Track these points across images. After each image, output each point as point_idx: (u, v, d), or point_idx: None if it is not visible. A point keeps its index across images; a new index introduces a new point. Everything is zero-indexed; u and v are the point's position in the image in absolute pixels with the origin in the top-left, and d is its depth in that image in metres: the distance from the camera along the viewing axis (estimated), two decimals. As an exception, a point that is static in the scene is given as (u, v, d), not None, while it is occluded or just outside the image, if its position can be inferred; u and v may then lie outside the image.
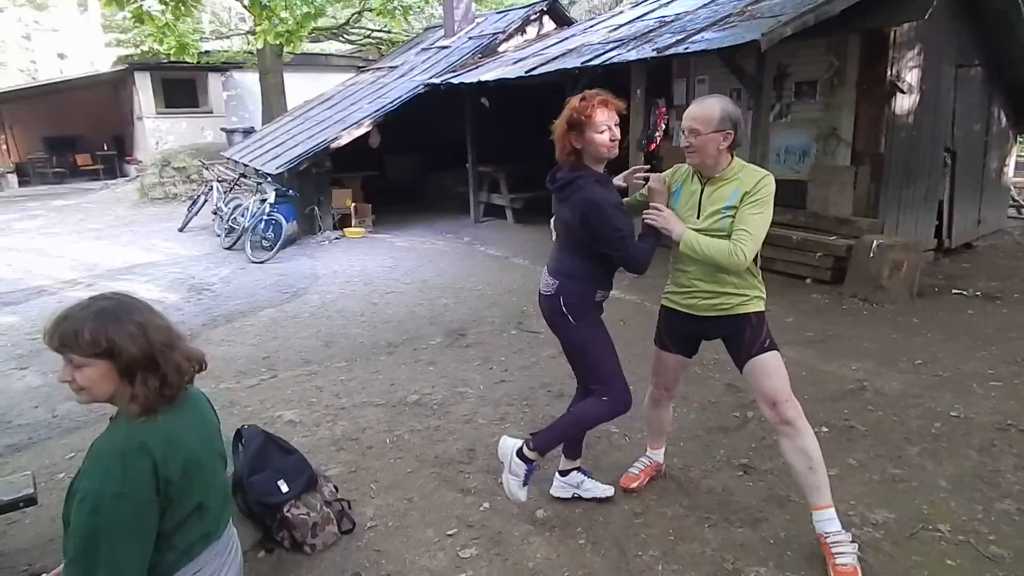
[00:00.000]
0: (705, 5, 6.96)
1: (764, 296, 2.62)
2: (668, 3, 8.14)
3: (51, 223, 12.24)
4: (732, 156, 2.52)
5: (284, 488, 2.80)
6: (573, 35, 9.09)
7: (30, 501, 2.64)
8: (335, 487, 3.05)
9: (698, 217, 2.51)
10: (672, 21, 6.87)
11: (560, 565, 2.63)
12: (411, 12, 12.18)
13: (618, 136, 2.55)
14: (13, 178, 17.83)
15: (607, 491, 3.02)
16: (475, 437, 3.71)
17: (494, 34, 10.58)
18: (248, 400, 4.35)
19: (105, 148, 18.75)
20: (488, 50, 10.25)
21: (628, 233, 2.52)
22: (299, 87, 15.79)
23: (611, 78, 7.31)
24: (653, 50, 5.73)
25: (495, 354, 4.99)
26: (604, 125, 2.49)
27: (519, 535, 2.84)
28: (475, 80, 8.25)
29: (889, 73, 6.22)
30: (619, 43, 6.78)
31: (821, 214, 6.78)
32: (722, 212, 2.46)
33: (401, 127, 10.12)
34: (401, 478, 3.35)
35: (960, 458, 3.24)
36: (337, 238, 9.45)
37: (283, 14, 6.38)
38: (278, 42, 6.84)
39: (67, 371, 1.46)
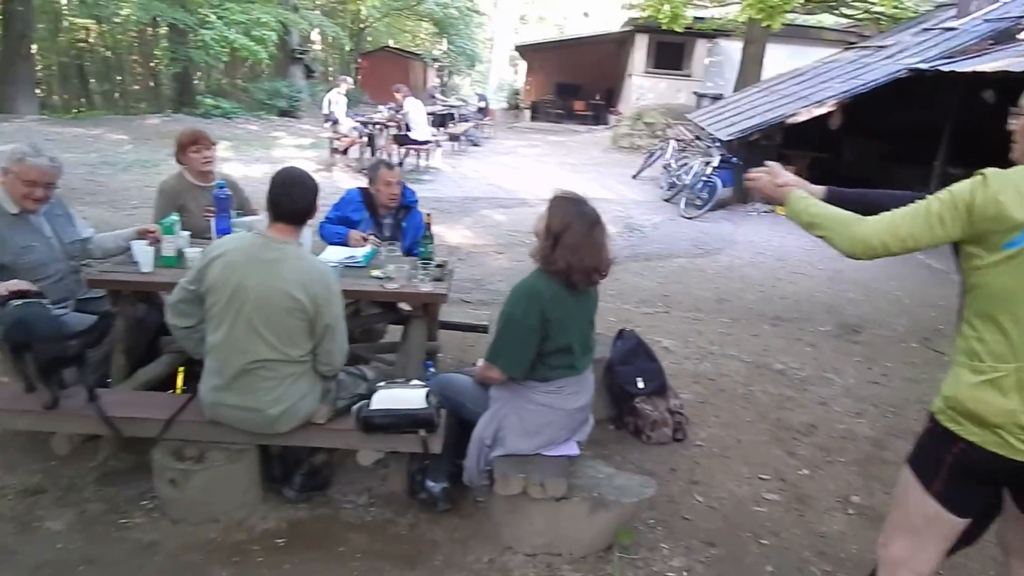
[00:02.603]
0: None
1: None
2: None
3: (544, 153, 15.18)
4: None
5: (640, 384, 3.51)
6: None
7: (484, 330, 3.96)
8: (681, 404, 3.65)
9: None
10: None
11: (855, 543, 2.78)
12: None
13: None
14: (527, 113, 22.26)
15: None
16: (822, 417, 3.86)
17: (1019, 17, 8.94)
18: (639, 322, 5.19)
19: (597, 98, 21.79)
20: (1004, 36, 8.76)
21: None
22: (779, 59, 15.74)
23: None
24: None
25: (882, 357, 4.83)
26: None
27: (825, 507, 3.04)
28: (969, 70, 7.31)
29: None
30: None
31: None
32: None
33: (869, 111, 9.56)
34: (739, 422, 3.77)
35: None
36: (766, 211, 9.63)
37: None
38: (759, 16, 7.22)
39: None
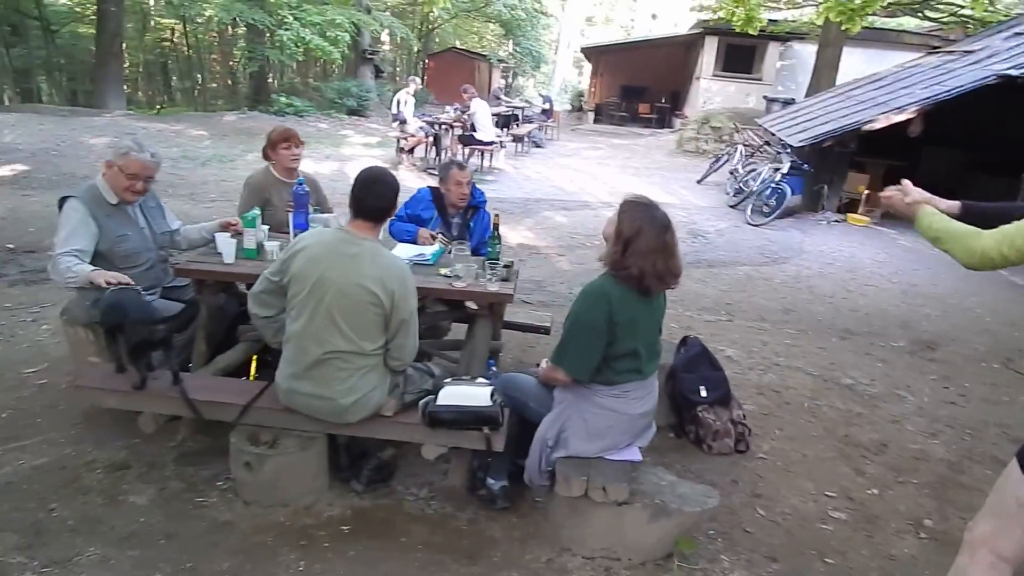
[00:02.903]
0: None
1: None
2: None
3: (607, 156, 15.09)
4: None
5: (703, 393, 3.46)
6: None
7: (546, 331, 3.97)
8: (744, 415, 3.58)
9: None
10: None
11: (927, 569, 2.68)
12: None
13: None
14: (591, 115, 22.18)
15: None
16: (894, 436, 3.73)
17: None
18: (701, 330, 5.10)
19: (663, 101, 21.51)
20: (1108, 41, 8.23)
21: None
22: (855, 63, 15.24)
23: None
24: None
25: (959, 377, 4.62)
26: None
27: (895, 529, 2.93)
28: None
29: None
30: None
31: None
32: None
33: (952, 119, 9.13)
34: (804, 437, 3.67)
35: None
36: (837, 221, 9.33)
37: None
38: (838, 20, 6.99)
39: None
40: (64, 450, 2.95)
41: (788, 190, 8.93)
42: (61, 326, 3.34)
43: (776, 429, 3.73)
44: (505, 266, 3.17)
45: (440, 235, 3.70)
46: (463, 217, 3.91)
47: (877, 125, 8.87)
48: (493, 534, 2.65)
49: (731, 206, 9.93)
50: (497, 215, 3.45)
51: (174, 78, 28.50)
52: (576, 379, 2.45)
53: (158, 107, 23.71)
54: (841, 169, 9.50)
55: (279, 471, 2.59)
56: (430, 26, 28.48)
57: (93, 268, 2.86)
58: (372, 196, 2.47)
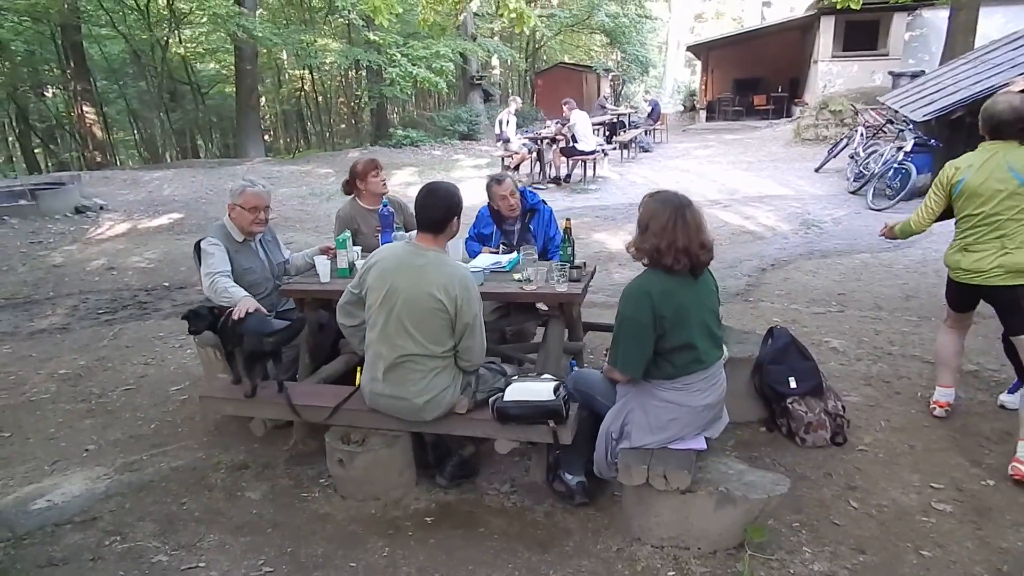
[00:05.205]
0: None
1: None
2: None
3: (718, 153, 14.64)
4: None
5: (793, 384, 3.35)
6: None
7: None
8: (843, 406, 3.41)
9: None
10: None
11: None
12: None
13: None
14: (703, 113, 21.58)
15: None
16: (1018, 426, 3.39)
17: None
18: (807, 322, 4.90)
19: (780, 90, 20.47)
20: None
21: None
22: (996, 25, 13.82)
23: None
24: None
25: (1114, 359, 4.09)
26: None
27: (1010, 521, 2.70)
28: None
29: None
30: None
31: None
32: None
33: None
34: (913, 427, 3.44)
35: None
36: (976, 198, 8.48)
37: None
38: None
39: None
40: (196, 454, 3.40)
41: (913, 169, 8.26)
42: (196, 348, 3.84)
43: (882, 420, 3.52)
44: (574, 267, 3.27)
45: (503, 247, 3.88)
46: (522, 222, 4.05)
47: (1016, 88, 7.98)
48: (568, 525, 2.74)
49: (852, 192, 9.34)
50: (568, 220, 3.56)
51: (308, 123, 31.00)
52: (631, 376, 2.50)
53: (294, 151, 25.89)
54: (975, 142, 8.63)
55: (368, 467, 2.84)
56: (536, 45, 29.00)
57: (245, 295, 3.25)
58: (426, 209, 2.68)
